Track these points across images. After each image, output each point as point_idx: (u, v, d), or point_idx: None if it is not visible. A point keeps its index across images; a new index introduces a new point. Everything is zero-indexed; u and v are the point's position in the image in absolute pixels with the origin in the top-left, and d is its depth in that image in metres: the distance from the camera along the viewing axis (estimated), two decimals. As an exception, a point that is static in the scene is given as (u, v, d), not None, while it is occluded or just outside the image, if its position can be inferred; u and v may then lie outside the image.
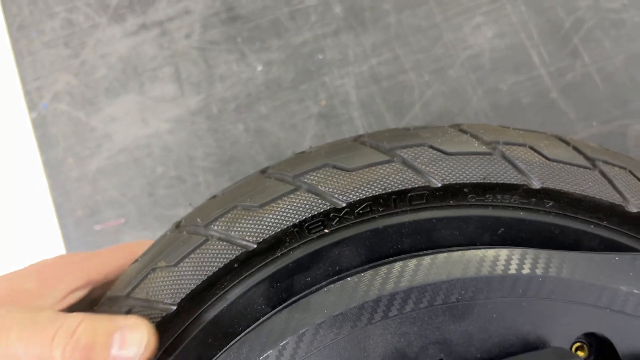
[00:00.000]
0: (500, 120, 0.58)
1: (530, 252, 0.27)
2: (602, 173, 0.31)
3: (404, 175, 0.29)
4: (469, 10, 0.62)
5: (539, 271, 0.26)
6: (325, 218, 0.30)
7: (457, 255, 0.27)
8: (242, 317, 0.30)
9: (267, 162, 0.58)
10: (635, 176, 0.31)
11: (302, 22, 0.64)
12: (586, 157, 0.31)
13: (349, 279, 0.27)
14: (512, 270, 0.26)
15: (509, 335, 0.26)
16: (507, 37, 0.61)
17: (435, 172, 0.29)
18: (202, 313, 0.30)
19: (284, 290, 0.30)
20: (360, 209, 0.30)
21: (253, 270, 0.30)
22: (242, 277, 0.30)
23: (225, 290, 0.30)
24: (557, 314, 0.26)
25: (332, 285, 0.27)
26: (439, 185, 0.29)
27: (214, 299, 0.30)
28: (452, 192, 0.30)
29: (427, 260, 0.27)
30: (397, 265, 0.27)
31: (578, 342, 0.27)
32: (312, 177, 0.30)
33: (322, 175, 0.30)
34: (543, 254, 0.27)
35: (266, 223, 0.29)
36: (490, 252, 0.27)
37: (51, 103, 0.62)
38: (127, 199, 0.58)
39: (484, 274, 0.26)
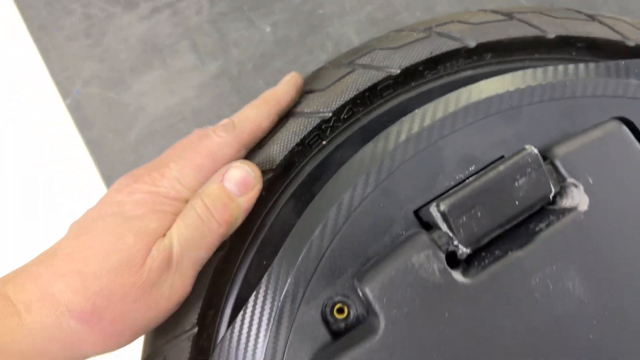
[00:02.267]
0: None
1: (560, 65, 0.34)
2: (519, 19, 0.39)
3: (367, 75, 0.37)
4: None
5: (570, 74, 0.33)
6: (319, 131, 0.36)
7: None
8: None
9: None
10: (546, 15, 0.39)
11: (299, -16, 0.71)
12: (503, 14, 0.39)
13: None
14: (551, 78, 0.33)
15: (553, 130, 0.32)
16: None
17: (391, 63, 0.36)
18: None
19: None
20: (344, 114, 0.37)
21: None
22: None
23: None
24: (589, 108, 0.32)
25: (402, 118, 0.33)
26: (398, 71, 0.36)
27: None
28: (411, 75, 0.37)
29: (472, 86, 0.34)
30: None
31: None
32: (297, 107, 0.36)
33: (305, 102, 0.37)
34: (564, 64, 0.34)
35: (276, 149, 0.36)
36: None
37: (83, 88, 0.67)
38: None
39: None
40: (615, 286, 0.26)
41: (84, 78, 0.68)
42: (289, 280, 0.30)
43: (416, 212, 0.30)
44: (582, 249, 0.26)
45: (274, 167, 0.35)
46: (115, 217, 0.30)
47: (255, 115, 0.34)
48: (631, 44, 0.38)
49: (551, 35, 0.37)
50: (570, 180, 0.27)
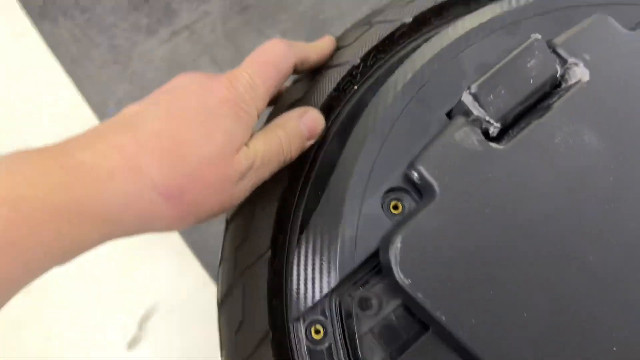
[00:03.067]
0: None
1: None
2: None
3: (384, 27, 0.43)
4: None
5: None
6: (351, 77, 0.42)
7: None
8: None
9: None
10: None
11: (300, -5, 0.79)
12: None
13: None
14: None
15: (549, 35, 0.38)
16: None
17: (403, 14, 0.42)
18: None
19: None
20: (370, 60, 0.42)
21: None
22: None
23: None
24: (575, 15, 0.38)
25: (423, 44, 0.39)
26: (411, 19, 0.41)
27: None
28: (421, 22, 0.42)
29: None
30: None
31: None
32: (329, 61, 0.43)
33: (335, 56, 0.43)
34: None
35: (317, 96, 0.42)
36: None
37: (116, 107, 0.74)
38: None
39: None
40: (623, 136, 0.32)
41: (116, 99, 0.74)
42: (348, 186, 0.35)
43: (448, 115, 0.36)
44: (591, 109, 0.32)
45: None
46: (202, 110, 0.31)
47: (307, 46, 0.40)
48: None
49: None
50: (571, 60, 0.33)
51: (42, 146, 0.27)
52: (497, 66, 0.32)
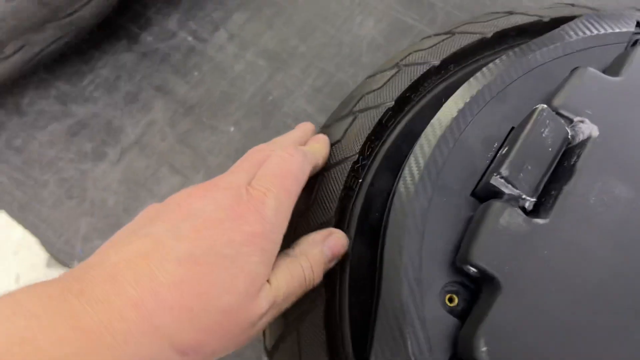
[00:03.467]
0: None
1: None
2: (460, 32, 0.49)
3: (370, 114, 0.44)
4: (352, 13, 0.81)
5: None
6: (354, 172, 0.43)
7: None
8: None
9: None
10: (476, 22, 0.50)
11: (242, 83, 0.79)
12: (445, 33, 0.49)
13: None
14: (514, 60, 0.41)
15: (536, 93, 0.40)
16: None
17: (384, 99, 0.45)
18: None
19: None
20: (367, 151, 0.43)
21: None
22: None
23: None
24: (551, 69, 0.40)
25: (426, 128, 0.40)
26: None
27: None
28: (403, 102, 0.45)
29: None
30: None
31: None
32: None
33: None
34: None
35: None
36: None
37: (84, 245, 0.68)
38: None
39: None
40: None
41: (81, 236, 0.69)
42: (403, 294, 0.34)
43: (473, 194, 0.36)
44: (611, 162, 0.33)
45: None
46: (228, 251, 0.29)
47: (322, 150, 0.40)
48: (546, 19, 0.48)
49: (489, 35, 0.47)
50: (576, 119, 0.34)
51: (53, 285, 0.26)
52: (518, 144, 0.33)
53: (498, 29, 0.47)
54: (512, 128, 0.38)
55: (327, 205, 0.41)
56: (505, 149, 0.34)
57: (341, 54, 0.79)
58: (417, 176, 0.37)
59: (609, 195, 0.32)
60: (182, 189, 0.34)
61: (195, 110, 0.77)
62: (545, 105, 0.34)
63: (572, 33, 0.41)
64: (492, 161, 0.37)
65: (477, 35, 0.47)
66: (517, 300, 0.30)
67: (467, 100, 0.38)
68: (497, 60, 0.41)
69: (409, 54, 0.48)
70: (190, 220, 0.30)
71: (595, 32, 0.41)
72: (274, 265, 0.33)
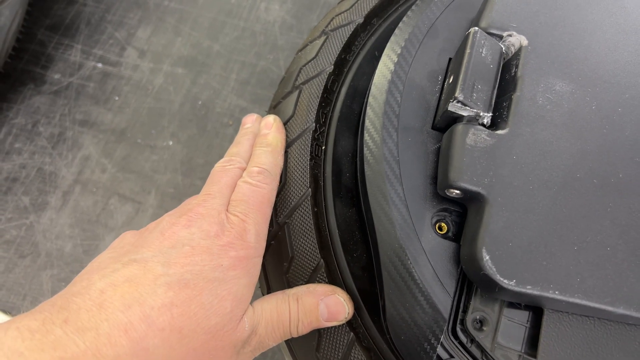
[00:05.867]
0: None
1: None
2: None
3: (315, 83, 0.47)
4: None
5: None
6: (316, 141, 0.44)
7: None
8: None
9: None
10: None
11: (167, 95, 0.77)
12: None
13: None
14: None
15: (461, 20, 0.43)
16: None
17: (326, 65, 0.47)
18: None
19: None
20: (322, 119, 0.45)
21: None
22: None
23: None
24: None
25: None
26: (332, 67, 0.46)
27: None
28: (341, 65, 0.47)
29: None
30: None
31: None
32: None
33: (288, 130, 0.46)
34: None
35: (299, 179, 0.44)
36: None
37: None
38: None
39: None
40: (582, 68, 0.36)
41: (48, 290, 0.66)
42: (398, 237, 0.35)
43: (434, 128, 0.38)
44: (545, 63, 0.36)
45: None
46: (216, 274, 0.30)
47: (280, 160, 0.41)
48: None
49: None
50: (505, 34, 0.37)
51: (32, 317, 0.25)
52: (463, 67, 0.35)
53: None
54: (450, 59, 0.40)
55: (300, 179, 0.42)
56: (451, 78, 0.37)
57: (257, 42, 0.80)
58: (378, 125, 0.38)
59: (553, 92, 0.35)
60: (137, 214, 0.34)
61: (127, 134, 0.75)
62: (477, 28, 0.36)
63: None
64: (441, 93, 0.39)
65: None
66: (504, 206, 0.33)
67: (403, 44, 0.40)
68: (418, 2, 0.43)
69: (332, 19, 0.49)
70: (178, 247, 0.31)
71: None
72: (266, 298, 0.35)
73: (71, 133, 0.75)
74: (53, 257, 0.68)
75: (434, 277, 0.34)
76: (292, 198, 0.41)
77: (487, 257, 0.32)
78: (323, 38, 0.48)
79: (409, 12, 0.43)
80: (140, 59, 0.80)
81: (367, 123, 0.39)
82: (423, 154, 0.37)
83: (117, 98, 0.77)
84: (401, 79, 0.39)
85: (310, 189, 0.41)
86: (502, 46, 0.37)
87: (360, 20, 0.47)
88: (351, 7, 0.49)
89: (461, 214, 0.36)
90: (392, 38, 0.41)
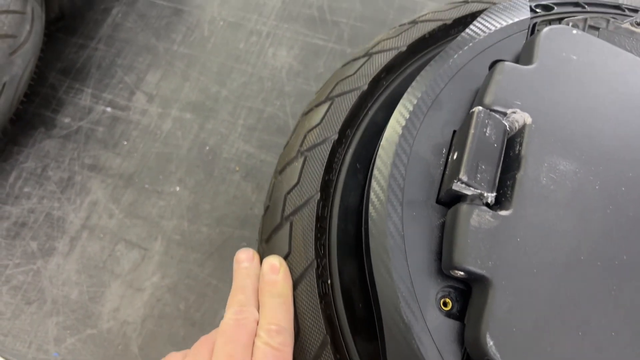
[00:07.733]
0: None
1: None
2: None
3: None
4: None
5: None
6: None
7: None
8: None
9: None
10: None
11: (175, 140, 0.78)
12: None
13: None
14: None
15: (465, 94, 0.43)
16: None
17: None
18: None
19: None
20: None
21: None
22: None
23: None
24: (471, 68, 0.44)
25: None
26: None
27: None
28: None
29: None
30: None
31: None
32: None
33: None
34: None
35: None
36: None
37: (58, 347, 0.65)
38: None
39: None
40: (585, 147, 0.37)
41: (53, 338, 0.66)
42: (403, 313, 0.35)
43: (438, 202, 0.38)
44: (549, 142, 0.37)
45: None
46: None
47: (292, 310, 0.40)
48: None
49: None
50: (509, 111, 0.38)
51: None
52: (467, 148, 0.36)
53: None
54: (454, 131, 0.41)
55: (315, 326, 0.40)
56: (456, 154, 0.37)
57: (264, 88, 0.81)
58: (383, 198, 0.39)
59: (556, 172, 0.36)
60: (143, 261, 0.35)
61: (134, 180, 0.76)
62: (480, 107, 0.37)
63: (478, 32, 0.45)
64: (445, 167, 0.39)
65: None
66: (508, 289, 0.33)
67: (407, 116, 0.41)
68: (422, 72, 0.44)
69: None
70: None
71: (499, 25, 0.45)
72: None
73: (80, 177, 0.76)
74: (59, 304, 0.68)
75: (439, 357, 0.34)
76: (310, 350, 0.40)
77: (491, 343, 0.32)
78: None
79: (413, 82, 0.44)
80: (149, 103, 0.81)
81: (372, 195, 0.39)
82: (428, 228, 0.38)
83: (125, 142, 0.79)
84: (406, 152, 0.40)
85: (328, 336, 0.39)
86: (506, 123, 0.38)
87: (335, 136, 0.46)
88: (321, 121, 0.48)
89: (466, 291, 0.36)
90: (397, 108, 0.42)
